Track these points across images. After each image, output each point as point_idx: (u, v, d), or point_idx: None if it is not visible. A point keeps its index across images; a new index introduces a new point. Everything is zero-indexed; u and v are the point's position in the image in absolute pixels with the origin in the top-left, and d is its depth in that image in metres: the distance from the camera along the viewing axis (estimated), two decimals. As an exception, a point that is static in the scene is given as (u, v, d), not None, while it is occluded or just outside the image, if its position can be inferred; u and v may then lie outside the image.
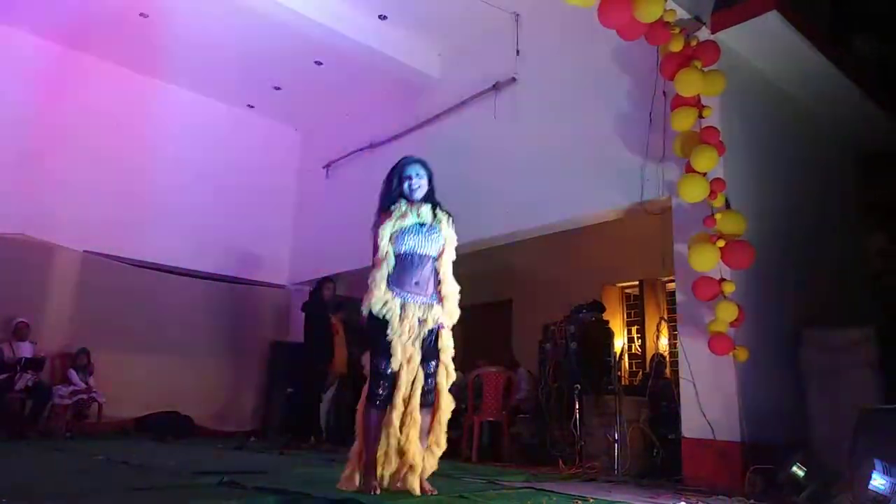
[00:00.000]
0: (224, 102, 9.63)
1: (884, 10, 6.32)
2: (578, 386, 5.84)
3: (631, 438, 5.53)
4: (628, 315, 8.73)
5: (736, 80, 5.23)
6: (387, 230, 3.43)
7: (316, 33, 7.26)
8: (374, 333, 3.30)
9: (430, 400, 3.32)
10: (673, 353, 7.22)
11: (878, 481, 3.17)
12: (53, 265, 7.98)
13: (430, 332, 3.35)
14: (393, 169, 3.63)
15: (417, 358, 3.29)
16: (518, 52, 6.99)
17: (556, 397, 6.24)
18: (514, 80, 6.97)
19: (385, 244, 3.40)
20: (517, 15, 7.06)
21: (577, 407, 5.82)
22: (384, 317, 3.27)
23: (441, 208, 3.57)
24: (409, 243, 3.41)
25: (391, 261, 3.37)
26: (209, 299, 9.15)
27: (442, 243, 3.48)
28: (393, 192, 3.58)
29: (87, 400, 7.52)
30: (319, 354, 7.47)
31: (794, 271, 5.52)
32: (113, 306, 8.13)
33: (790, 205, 5.75)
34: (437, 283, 3.44)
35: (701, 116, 4.95)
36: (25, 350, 7.31)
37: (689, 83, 4.90)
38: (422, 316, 3.33)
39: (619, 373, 6.33)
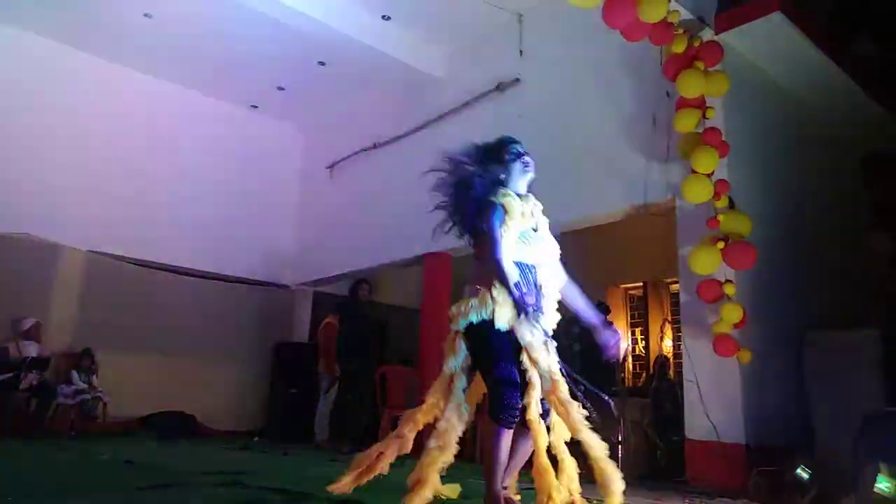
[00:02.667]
0: (227, 102, 9.63)
1: (886, 9, 6.29)
2: (581, 387, 5.83)
3: (634, 440, 5.53)
4: (632, 316, 8.74)
5: (740, 80, 5.22)
6: (512, 232, 2.84)
7: (319, 34, 7.27)
8: (491, 343, 2.78)
9: None
10: (677, 355, 7.22)
11: (882, 483, 3.16)
12: (58, 265, 7.99)
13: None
14: (495, 144, 3.02)
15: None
16: (522, 52, 6.99)
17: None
18: (517, 80, 6.97)
19: (510, 251, 2.82)
20: (521, 15, 7.07)
21: (579, 408, 5.81)
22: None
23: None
24: (524, 253, 2.89)
25: (514, 276, 2.80)
26: (213, 299, 9.15)
27: (550, 251, 3.03)
28: (500, 170, 2.94)
29: (91, 399, 7.54)
30: (353, 356, 7.43)
31: (797, 273, 5.51)
32: (117, 306, 8.14)
33: (794, 205, 5.74)
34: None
35: (704, 117, 4.95)
36: (31, 349, 7.33)
37: (692, 84, 4.90)
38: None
39: (622, 374, 6.33)
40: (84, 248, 8.19)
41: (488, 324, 2.75)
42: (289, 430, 8.27)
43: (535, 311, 2.79)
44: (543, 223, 3.03)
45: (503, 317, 2.74)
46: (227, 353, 9.07)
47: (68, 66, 8.38)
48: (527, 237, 2.90)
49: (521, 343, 2.74)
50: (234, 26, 7.65)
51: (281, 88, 9.23)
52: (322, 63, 8.37)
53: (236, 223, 9.35)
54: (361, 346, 7.47)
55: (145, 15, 7.62)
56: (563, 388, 2.77)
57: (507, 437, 2.71)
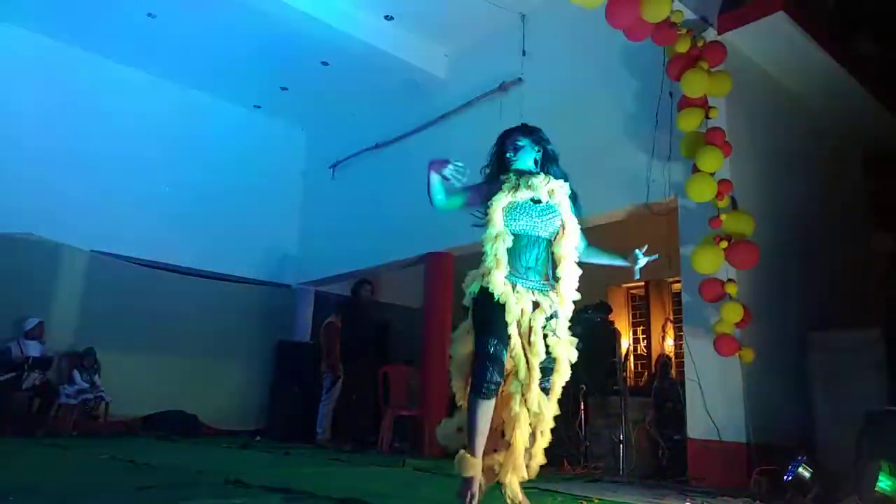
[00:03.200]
0: (231, 102, 9.66)
1: (888, 9, 6.29)
2: (584, 387, 5.84)
3: (636, 439, 5.52)
4: (634, 316, 8.73)
5: (743, 80, 5.22)
6: (499, 203, 2.97)
7: (322, 34, 7.27)
8: (485, 314, 2.88)
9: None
10: (678, 354, 7.21)
11: (884, 483, 3.16)
12: (60, 264, 8.00)
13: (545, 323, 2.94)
14: (497, 138, 3.31)
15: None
16: (524, 52, 6.99)
17: (560, 398, 6.24)
18: (520, 80, 6.96)
19: (499, 219, 2.94)
20: (523, 15, 7.07)
21: (582, 408, 5.82)
22: (498, 299, 2.83)
23: (559, 182, 3.12)
24: (521, 223, 2.96)
25: (508, 238, 2.92)
26: (215, 299, 9.15)
27: (559, 224, 3.03)
28: (492, 162, 3.24)
29: (94, 399, 7.56)
30: (355, 355, 7.45)
31: (800, 272, 5.51)
32: (120, 306, 8.14)
33: (796, 205, 5.73)
34: (554, 269, 3.00)
35: (707, 117, 4.95)
36: (33, 349, 7.35)
37: (695, 84, 4.90)
38: (535, 301, 2.92)
39: (624, 374, 6.32)
40: (87, 247, 8.20)
41: (484, 292, 2.88)
42: (290, 430, 8.27)
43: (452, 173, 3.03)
44: (558, 199, 3.06)
45: (496, 281, 2.85)
46: (228, 352, 9.07)
47: (70, 65, 8.39)
48: (525, 208, 2.99)
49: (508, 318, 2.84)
50: (237, 26, 7.66)
51: (284, 88, 9.23)
52: (325, 63, 8.38)
53: (238, 223, 9.36)
54: (363, 346, 7.49)
55: (149, 14, 7.64)
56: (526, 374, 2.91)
57: (483, 406, 2.81)
